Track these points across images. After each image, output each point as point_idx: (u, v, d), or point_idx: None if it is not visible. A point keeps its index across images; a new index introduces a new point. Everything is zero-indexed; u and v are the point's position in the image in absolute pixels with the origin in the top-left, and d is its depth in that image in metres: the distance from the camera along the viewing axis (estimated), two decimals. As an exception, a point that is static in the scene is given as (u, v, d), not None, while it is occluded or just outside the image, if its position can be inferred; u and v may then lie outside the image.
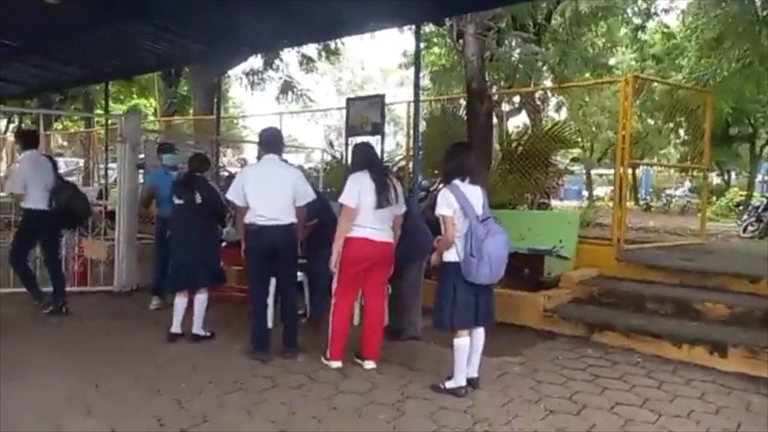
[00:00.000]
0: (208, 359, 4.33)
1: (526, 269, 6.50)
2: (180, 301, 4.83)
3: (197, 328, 4.82)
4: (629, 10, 13.12)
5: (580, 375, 4.20)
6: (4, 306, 5.51)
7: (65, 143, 25.57)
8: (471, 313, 3.74)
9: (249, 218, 4.33)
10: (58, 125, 20.62)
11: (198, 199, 4.85)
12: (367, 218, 4.10)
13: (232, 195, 4.43)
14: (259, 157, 4.84)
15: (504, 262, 3.72)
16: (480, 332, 3.85)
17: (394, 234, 4.30)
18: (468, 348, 3.76)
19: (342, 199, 4.13)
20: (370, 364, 4.21)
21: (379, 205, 4.08)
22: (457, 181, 3.74)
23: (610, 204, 17.80)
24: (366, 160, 4.29)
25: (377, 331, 4.32)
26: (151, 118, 16.18)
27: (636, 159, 10.52)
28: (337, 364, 4.18)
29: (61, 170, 22.25)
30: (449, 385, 3.77)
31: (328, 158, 11.22)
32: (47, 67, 9.48)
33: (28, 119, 19.79)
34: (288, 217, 4.36)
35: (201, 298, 4.83)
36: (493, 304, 3.91)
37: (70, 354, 4.37)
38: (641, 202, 22.66)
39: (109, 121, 11.96)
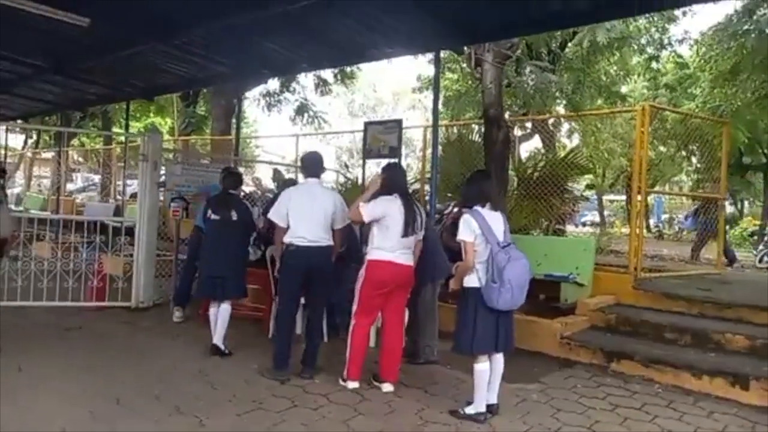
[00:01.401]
0: (227, 377, 4.34)
1: (542, 295, 6.49)
2: (213, 312, 4.93)
3: (218, 340, 4.88)
4: (643, 40, 13.25)
5: (599, 404, 4.16)
6: (21, 320, 5.58)
7: (80, 159, 25.99)
8: (491, 338, 3.73)
9: (288, 238, 4.39)
10: (74, 142, 20.92)
11: (233, 216, 5.01)
12: (393, 243, 4.12)
13: (275, 216, 4.51)
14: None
15: (525, 289, 3.71)
16: (499, 358, 3.85)
17: (414, 258, 4.32)
18: (488, 374, 3.76)
19: (367, 218, 4.14)
20: (388, 387, 4.21)
21: (405, 234, 4.12)
22: (478, 207, 3.77)
23: (623, 231, 17.76)
24: (396, 184, 4.29)
25: (396, 353, 4.33)
26: (167, 136, 16.38)
27: (648, 186, 10.52)
28: (353, 384, 4.19)
29: (77, 185, 22.53)
30: (469, 411, 3.75)
31: (342, 179, 11.33)
32: (71, 86, 9.74)
33: (46, 136, 20.15)
34: (327, 239, 4.44)
35: (225, 309, 4.92)
36: (512, 330, 3.91)
37: (90, 369, 4.39)
38: (653, 230, 22.53)
39: (128, 139, 12.14)
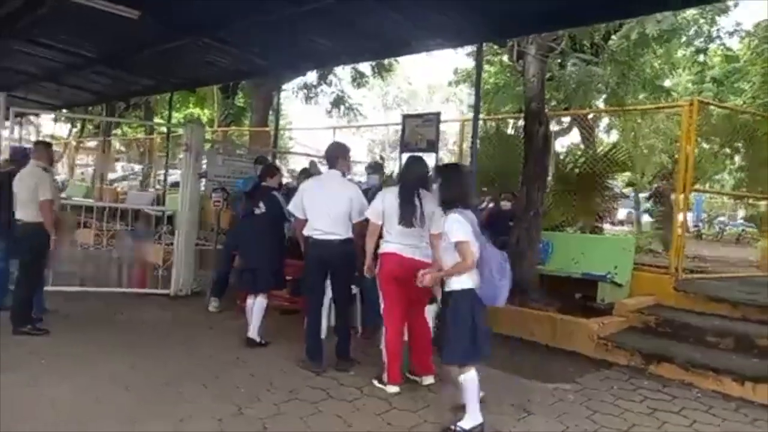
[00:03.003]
0: (265, 367, 4.43)
1: (579, 294, 6.41)
2: (250, 303, 5.03)
3: (253, 333, 4.97)
4: (691, 32, 12.80)
5: (636, 407, 4.09)
6: (68, 304, 5.82)
7: (122, 148, 26.70)
8: (487, 341, 3.56)
9: (307, 231, 4.45)
10: (117, 131, 21.51)
11: (262, 208, 5.09)
12: (394, 234, 4.12)
13: (293, 207, 4.58)
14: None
15: None
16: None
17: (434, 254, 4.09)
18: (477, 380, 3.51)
19: (366, 214, 4.25)
20: (429, 380, 4.22)
21: (402, 222, 4.07)
22: (460, 207, 3.57)
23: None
24: (401, 177, 4.34)
25: (426, 347, 4.30)
26: (206, 127, 16.70)
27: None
28: (394, 389, 4.07)
29: (118, 174, 23.05)
30: (465, 425, 3.44)
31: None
32: (118, 77, 9.98)
33: (90, 125, 20.75)
34: (344, 232, 4.42)
35: (260, 302, 5.00)
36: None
37: (135, 355, 4.54)
38: (692, 229, 21.89)
39: (170, 130, 12.40)
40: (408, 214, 4.07)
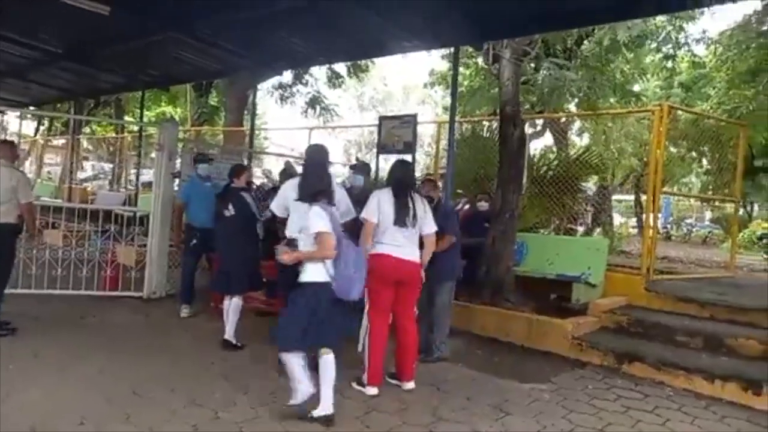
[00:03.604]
0: (240, 370, 4.36)
1: (554, 295, 6.50)
2: (226, 305, 4.98)
3: (229, 335, 4.90)
4: (660, 38, 13.11)
5: (611, 406, 4.16)
6: (37, 307, 5.65)
7: (90, 147, 26.08)
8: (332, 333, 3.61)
9: (291, 234, 4.31)
10: (86, 130, 21.00)
11: (231, 210, 5.06)
12: (387, 235, 4.13)
13: (275, 207, 4.53)
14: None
15: None
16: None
17: (423, 254, 4.26)
18: None
19: (363, 215, 4.22)
20: (410, 385, 4.20)
21: (397, 222, 4.10)
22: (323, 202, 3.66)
23: (631, 231, 17.68)
24: (394, 179, 4.33)
25: (412, 353, 4.30)
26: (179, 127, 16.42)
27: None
28: (373, 390, 4.06)
29: (88, 174, 22.52)
30: (294, 401, 3.50)
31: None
32: (86, 73, 9.78)
33: (58, 123, 20.22)
34: None
35: (235, 303, 4.93)
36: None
37: (105, 358, 4.42)
38: (661, 231, 22.42)
39: (142, 128, 12.15)
40: (403, 215, 4.12)
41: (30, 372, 4.02)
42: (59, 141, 21.80)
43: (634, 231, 18.22)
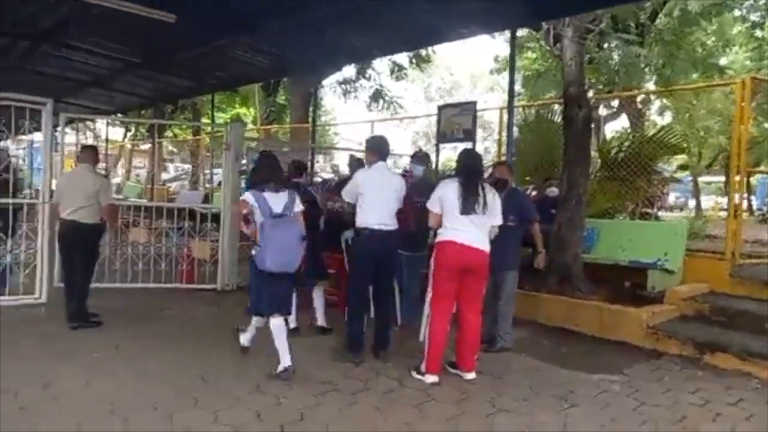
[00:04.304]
0: (304, 358, 4.44)
1: (628, 282, 6.18)
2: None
3: (321, 321, 5.28)
4: (745, 6, 12.09)
5: (689, 398, 3.91)
6: (120, 300, 6.06)
7: (174, 150, 27.62)
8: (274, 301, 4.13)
9: (363, 222, 4.46)
10: (167, 133, 22.25)
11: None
12: (454, 222, 4.09)
13: (347, 195, 4.64)
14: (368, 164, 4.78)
15: (292, 253, 4.08)
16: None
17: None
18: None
19: (428, 204, 4.24)
20: (470, 376, 4.15)
21: (464, 211, 4.04)
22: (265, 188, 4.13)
23: (721, 214, 16.51)
24: (461, 167, 4.31)
25: (474, 344, 4.23)
26: (251, 126, 17.03)
27: (751, 166, 9.69)
28: (432, 378, 4.04)
29: (170, 175, 23.81)
30: (277, 369, 3.99)
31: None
32: (160, 80, 10.34)
33: (142, 128, 21.54)
34: (395, 223, 4.50)
35: (318, 293, 5.30)
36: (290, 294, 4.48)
37: (180, 349, 4.67)
38: (756, 213, 20.75)
39: (214, 130, 12.72)
40: (472, 203, 4.08)
41: (110, 362, 4.30)
42: (145, 145, 23.22)
43: (724, 214, 16.96)
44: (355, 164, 6.59)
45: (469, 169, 4.26)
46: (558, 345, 5.14)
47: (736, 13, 12.29)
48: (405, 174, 5.84)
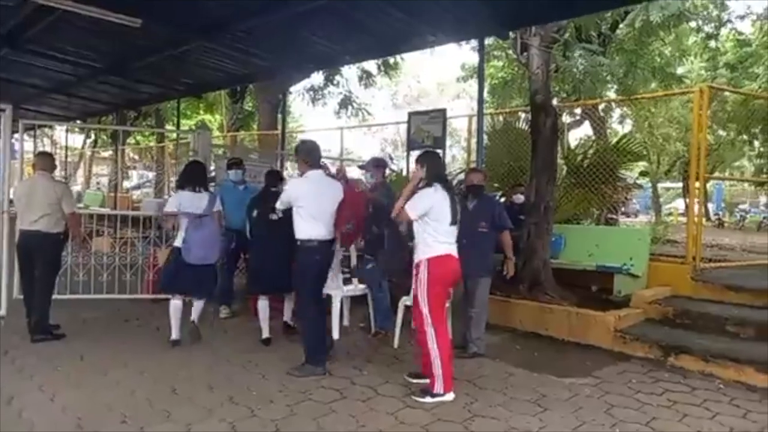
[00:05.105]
0: (277, 369, 4.40)
1: (594, 287, 6.32)
2: (263, 305, 5.14)
3: (288, 317, 5.39)
4: (700, 19, 12.60)
5: (656, 400, 4.00)
6: (84, 311, 5.87)
7: (136, 157, 26.99)
8: (188, 284, 4.98)
9: (308, 234, 4.32)
10: (130, 140, 21.75)
11: (279, 214, 5.05)
12: (446, 234, 3.96)
13: (281, 205, 4.54)
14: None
15: (210, 249, 4.95)
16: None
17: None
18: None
19: (410, 209, 3.94)
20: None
21: (453, 221, 3.97)
22: (187, 190, 4.97)
23: (680, 219, 17.07)
24: (435, 174, 4.06)
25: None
26: (216, 132, 16.79)
27: (707, 172, 10.04)
28: (450, 396, 3.87)
29: (133, 182, 23.34)
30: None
31: (387, 171, 11.29)
32: (125, 86, 10.11)
33: (104, 135, 21.00)
34: (333, 232, 4.46)
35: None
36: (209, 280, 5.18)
37: (147, 359, 4.56)
38: (713, 218, 21.55)
39: (179, 137, 12.48)
40: (456, 213, 3.99)
41: (76, 374, 4.17)
42: (106, 152, 22.63)
43: (684, 219, 17.58)
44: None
45: (443, 177, 4.20)
46: (530, 349, 5.20)
47: (692, 24, 12.77)
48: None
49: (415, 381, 4.13)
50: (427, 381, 3.96)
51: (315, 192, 4.35)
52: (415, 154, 8.36)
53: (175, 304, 5.02)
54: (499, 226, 4.99)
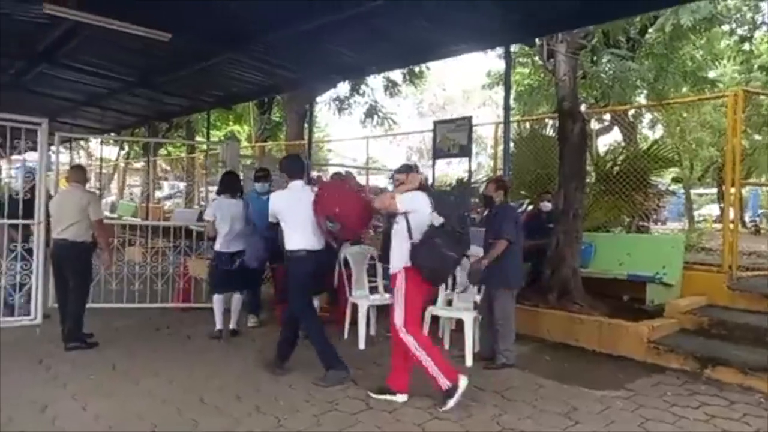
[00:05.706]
0: (303, 378, 4.40)
1: (626, 297, 6.18)
2: None
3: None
4: (733, 21, 12.28)
5: (693, 414, 3.88)
6: (116, 320, 5.99)
7: (168, 168, 27.53)
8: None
9: (296, 245, 4.37)
10: (162, 151, 22.20)
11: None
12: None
13: (270, 218, 4.57)
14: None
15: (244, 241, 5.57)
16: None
17: None
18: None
19: (399, 207, 3.99)
20: (403, 398, 3.97)
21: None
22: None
23: (715, 226, 16.60)
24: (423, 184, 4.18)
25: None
26: (245, 143, 17.03)
27: (742, 177, 9.75)
28: (464, 381, 3.81)
29: (165, 193, 23.74)
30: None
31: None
32: (155, 98, 10.34)
33: (136, 146, 21.48)
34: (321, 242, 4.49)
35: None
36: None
37: (177, 369, 4.62)
38: (749, 224, 20.87)
39: (209, 147, 12.70)
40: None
41: (108, 382, 4.25)
42: (139, 163, 23.14)
43: (718, 226, 17.08)
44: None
45: (426, 188, 4.22)
46: (559, 360, 5.11)
47: (725, 27, 12.46)
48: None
49: (381, 397, 4.00)
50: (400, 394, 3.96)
51: (294, 202, 4.45)
52: (441, 162, 8.40)
53: (218, 297, 5.59)
54: (496, 234, 4.76)
